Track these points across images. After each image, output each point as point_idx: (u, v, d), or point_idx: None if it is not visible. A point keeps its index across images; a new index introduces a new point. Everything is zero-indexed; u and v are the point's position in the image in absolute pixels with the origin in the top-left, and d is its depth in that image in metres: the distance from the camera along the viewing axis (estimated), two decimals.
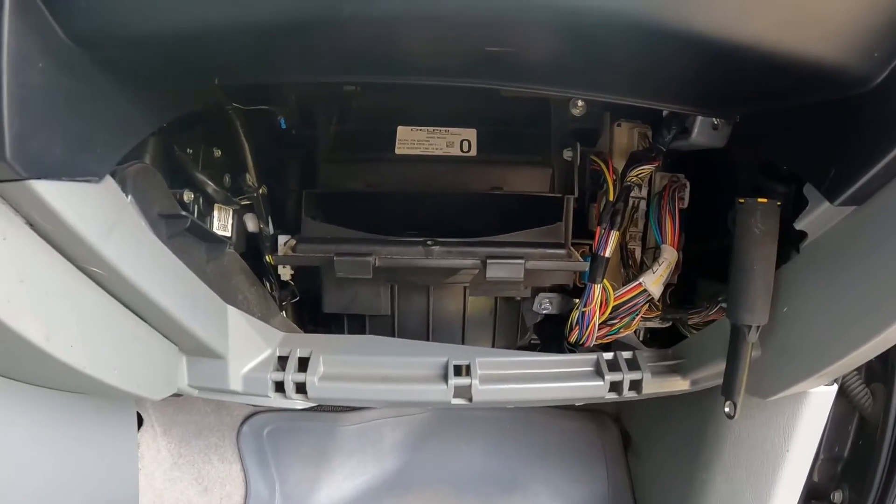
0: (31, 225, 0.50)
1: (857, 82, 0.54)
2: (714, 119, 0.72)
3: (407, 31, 0.49)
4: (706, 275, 0.93)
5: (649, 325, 0.99)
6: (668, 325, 0.98)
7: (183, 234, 0.70)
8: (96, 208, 0.53)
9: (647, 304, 0.90)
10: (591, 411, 1.31)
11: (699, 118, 0.73)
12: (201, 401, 1.06)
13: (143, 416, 1.01)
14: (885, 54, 0.51)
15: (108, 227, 0.54)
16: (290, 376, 0.75)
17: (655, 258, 0.89)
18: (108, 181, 0.55)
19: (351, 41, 0.51)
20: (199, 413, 1.14)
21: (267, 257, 0.91)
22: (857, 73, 0.53)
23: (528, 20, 0.45)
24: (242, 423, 1.19)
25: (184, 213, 0.70)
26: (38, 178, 0.46)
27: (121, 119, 0.56)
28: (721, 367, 0.77)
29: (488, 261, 0.78)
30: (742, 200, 0.69)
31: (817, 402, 0.86)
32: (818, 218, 0.64)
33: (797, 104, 0.62)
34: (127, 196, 0.59)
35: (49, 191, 0.47)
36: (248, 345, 0.77)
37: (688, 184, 0.91)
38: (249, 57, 0.55)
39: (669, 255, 0.88)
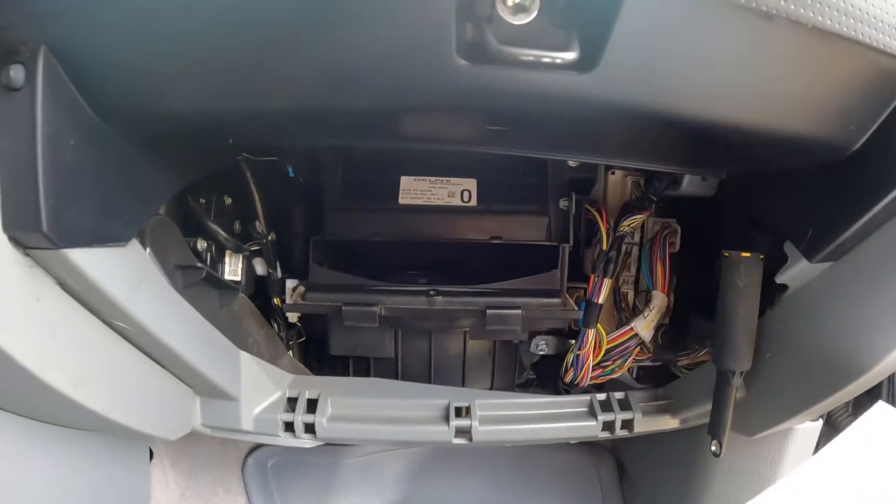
0: (61, 284, 0.52)
1: (835, 152, 0.58)
2: None
3: (417, 116, 0.52)
4: (697, 313, 0.96)
5: (641, 364, 1.01)
6: (659, 364, 1.01)
7: (198, 283, 0.73)
8: (123, 269, 0.56)
9: (639, 347, 0.93)
10: (587, 443, 1.32)
11: None
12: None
13: (153, 449, 1.03)
14: (860, 127, 0.55)
15: (134, 286, 0.57)
16: (300, 417, 0.77)
17: (647, 302, 0.92)
18: (133, 242, 0.58)
19: (363, 121, 0.54)
20: (206, 446, 1.15)
21: (275, 300, 0.93)
22: (835, 144, 0.57)
23: (534, 112, 0.49)
24: (247, 456, 1.21)
25: (199, 264, 0.73)
26: (71, 246, 0.49)
27: (146, 186, 0.59)
28: (709, 406, 0.79)
29: (487, 310, 0.82)
30: (727, 254, 0.72)
31: (803, 437, 0.89)
32: (798, 272, 0.67)
33: (779, 167, 0.66)
34: (146, 248, 0.62)
35: (80, 257, 0.50)
36: (260, 387, 0.79)
37: (678, 229, 0.94)
38: (265, 128, 0.58)
39: (660, 301, 0.91)
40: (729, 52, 0.44)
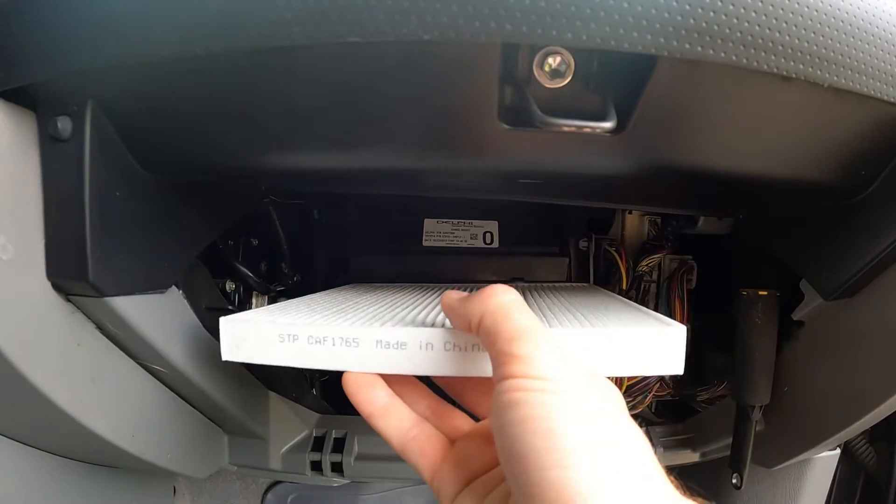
0: (101, 329, 0.54)
1: (848, 195, 0.59)
2: None
3: (452, 172, 0.54)
4: (715, 348, 0.97)
5: (661, 399, 1.02)
6: (678, 399, 1.01)
7: None
8: (162, 315, 0.57)
9: (659, 382, 0.94)
10: None
11: None
12: None
13: (175, 484, 1.03)
14: (872, 172, 0.57)
15: (171, 330, 0.59)
16: (327, 457, 0.79)
17: None
18: (172, 289, 0.59)
19: (398, 175, 0.55)
20: (226, 481, 1.16)
21: None
22: (848, 188, 0.58)
23: (564, 168, 0.50)
24: (267, 490, 1.20)
25: (230, 307, 0.74)
26: (115, 295, 0.50)
27: (185, 235, 0.60)
28: (728, 440, 0.81)
29: None
30: (745, 292, 0.73)
31: (821, 466, 0.90)
32: (814, 309, 0.68)
33: (793, 210, 0.67)
34: (179, 290, 0.62)
35: (123, 305, 0.51)
36: (287, 426, 0.80)
37: (695, 266, 0.95)
38: (296, 180, 0.60)
39: None
40: (750, 111, 0.46)
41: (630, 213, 0.94)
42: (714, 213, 0.75)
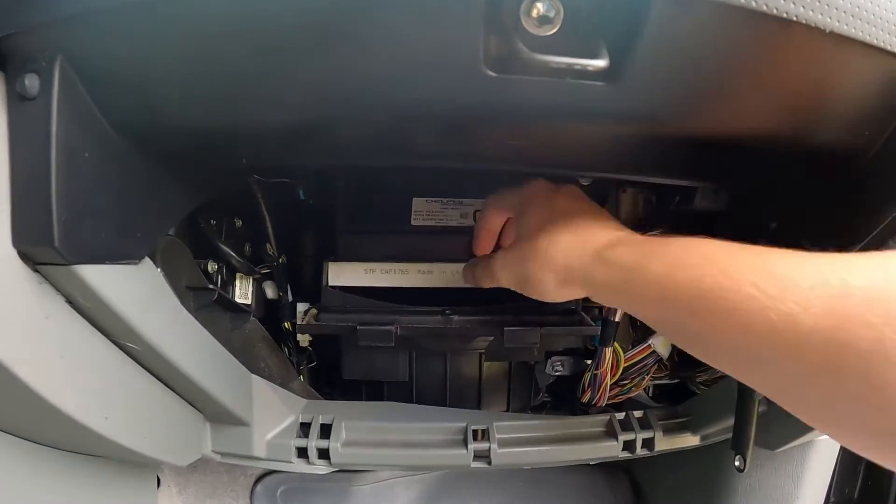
0: (71, 303, 0.52)
1: (850, 158, 0.58)
2: None
3: (436, 132, 0.52)
4: None
5: (658, 382, 1.00)
6: (676, 381, 1.00)
7: (210, 305, 0.72)
8: (135, 288, 0.55)
9: (656, 364, 0.92)
10: (602, 464, 1.29)
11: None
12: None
13: (160, 476, 1.01)
14: (875, 133, 0.55)
15: (145, 305, 0.56)
16: (314, 443, 0.76)
17: None
18: (146, 261, 0.57)
19: (381, 137, 0.54)
20: (214, 473, 1.14)
21: (285, 324, 0.92)
22: (850, 150, 0.57)
23: (557, 124, 0.49)
24: (256, 482, 1.19)
25: (211, 286, 0.72)
26: (83, 263, 0.48)
27: (160, 203, 0.58)
28: (729, 422, 0.79)
29: (505, 328, 0.81)
30: None
31: (824, 448, 0.90)
32: None
33: (794, 177, 0.65)
34: (157, 266, 0.60)
35: (92, 274, 0.49)
36: (272, 412, 0.78)
37: None
38: (281, 146, 0.58)
39: None
40: (750, 62, 0.45)
41: (625, 191, 0.92)
42: (713, 182, 0.73)
